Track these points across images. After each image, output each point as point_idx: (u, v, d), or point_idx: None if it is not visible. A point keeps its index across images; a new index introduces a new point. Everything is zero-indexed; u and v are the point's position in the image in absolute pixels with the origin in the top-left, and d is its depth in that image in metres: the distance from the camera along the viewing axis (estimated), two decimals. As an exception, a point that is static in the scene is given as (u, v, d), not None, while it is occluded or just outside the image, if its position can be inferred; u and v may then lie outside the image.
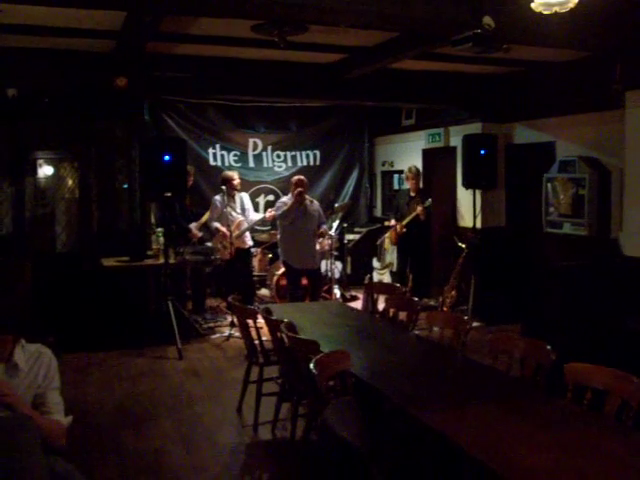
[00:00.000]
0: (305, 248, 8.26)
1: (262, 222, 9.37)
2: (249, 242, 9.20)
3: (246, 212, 9.03)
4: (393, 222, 9.54)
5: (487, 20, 4.90)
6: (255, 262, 9.95)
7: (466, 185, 8.67)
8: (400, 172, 10.62)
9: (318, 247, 8.66)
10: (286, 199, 8.34)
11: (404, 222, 9.24)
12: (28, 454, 2.50)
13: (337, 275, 9.76)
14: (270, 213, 8.66)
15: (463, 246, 8.76)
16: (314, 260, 8.44)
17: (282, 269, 9.15)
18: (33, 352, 3.02)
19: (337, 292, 9.54)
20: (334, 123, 11.45)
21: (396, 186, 11.20)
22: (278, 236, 8.54)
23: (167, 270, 7.67)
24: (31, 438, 2.56)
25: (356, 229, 11.13)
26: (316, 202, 8.56)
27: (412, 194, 9.44)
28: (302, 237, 8.21)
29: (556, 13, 3.72)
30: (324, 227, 8.56)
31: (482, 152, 8.51)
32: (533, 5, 3.68)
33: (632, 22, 5.57)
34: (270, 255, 10.15)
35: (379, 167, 11.84)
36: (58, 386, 3.06)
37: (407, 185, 9.63)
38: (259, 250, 10.06)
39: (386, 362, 4.30)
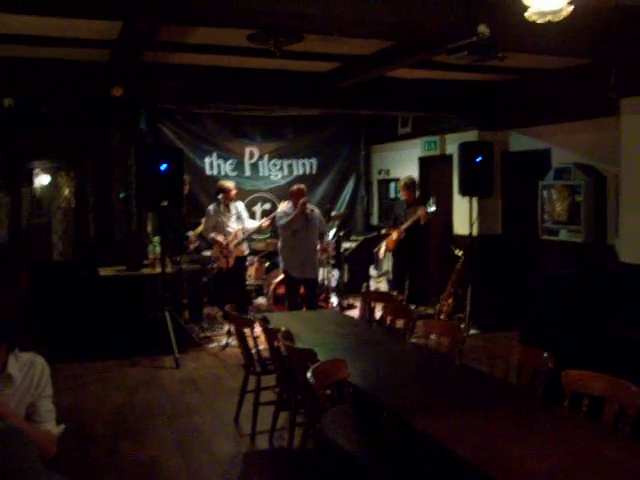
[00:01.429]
0: (306, 258, 8.21)
1: (258, 230, 9.37)
2: (246, 250, 9.21)
3: (244, 221, 9.03)
4: (395, 229, 9.47)
5: (482, 28, 4.91)
6: (252, 271, 9.95)
7: (462, 193, 8.68)
8: (396, 180, 10.63)
9: (319, 256, 8.63)
10: (286, 208, 8.29)
11: (403, 227, 9.16)
12: (27, 465, 2.49)
13: (334, 283, 9.75)
14: (266, 222, 8.65)
15: (460, 254, 8.77)
16: (314, 270, 8.40)
17: (279, 277, 9.14)
18: (26, 361, 3.01)
19: (334, 300, 9.53)
20: (330, 132, 11.47)
21: (392, 194, 11.21)
22: (279, 244, 8.49)
23: (164, 279, 7.66)
24: (29, 449, 2.55)
25: (353, 237, 11.13)
26: (317, 210, 8.51)
27: (410, 203, 9.41)
28: (303, 247, 8.17)
29: (550, 22, 3.74)
30: (327, 240, 8.52)
31: (478, 160, 8.53)
32: (527, 14, 3.70)
33: (627, 29, 5.59)
34: (267, 264, 10.14)
35: (375, 175, 11.85)
36: (50, 394, 3.05)
37: (402, 197, 9.60)
38: (256, 259, 10.06)
39: (383, 370, 4.30)
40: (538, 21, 3.68)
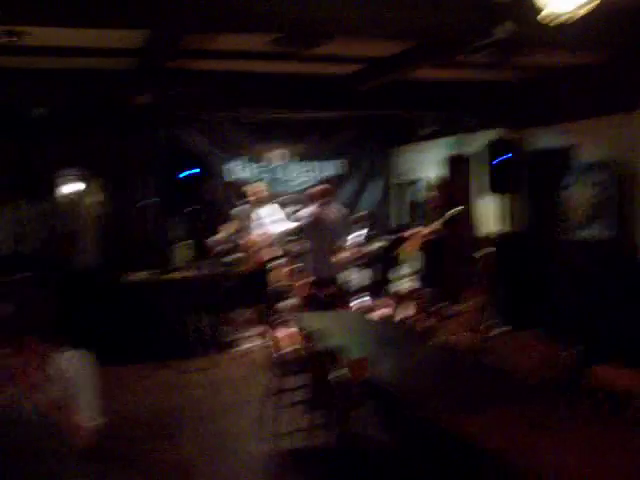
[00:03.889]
0: (321, 259, 8.23)
1: (294, 230, 9.30)
2: (275, 253, 9.17)
3: (276, 223, 8.99)
4: (418, 230, 9.42)
5: (508, 25, 4.89)
6: (281, 272, 9.94)
7: (488, 191, 8.66)
8: (419, 181, 10.60)
9: (336, 259, 8.58)
10: (308, 210, 8.29)
11: (431, 228, 9.11)
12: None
13: (358, 284, 9.75)
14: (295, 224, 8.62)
15: (485, 252, 8.73)
16: (331, 271, 8.41)
17: (308, 279, 9.17)
18: (69, 357, 3.18)
19: (357, 302, 9.53)
20: (356, 132, 11.46)
21: (415, 196, 11.18)
22: (304, 245, 8.51)
23: (190, 283, 7.73)
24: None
25: (377, 239, 11.12)
26: (337, 213, 8.50)
27: (438, 205, 9.32)
28: (318, 248, 8.19)
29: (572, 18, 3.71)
30: (342, 241, 8.49)
31: (501, 159, 8.52)
32: (539, 17, 3.68)
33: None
34: (296, 265, 10.15)
35: (399, 176, 11.84)
36: (90, 387, 3.21)
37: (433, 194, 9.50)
38: (285, 260, 10.05)
39: (408, 369, 4.32)
40: (552, 24, 3.66)
